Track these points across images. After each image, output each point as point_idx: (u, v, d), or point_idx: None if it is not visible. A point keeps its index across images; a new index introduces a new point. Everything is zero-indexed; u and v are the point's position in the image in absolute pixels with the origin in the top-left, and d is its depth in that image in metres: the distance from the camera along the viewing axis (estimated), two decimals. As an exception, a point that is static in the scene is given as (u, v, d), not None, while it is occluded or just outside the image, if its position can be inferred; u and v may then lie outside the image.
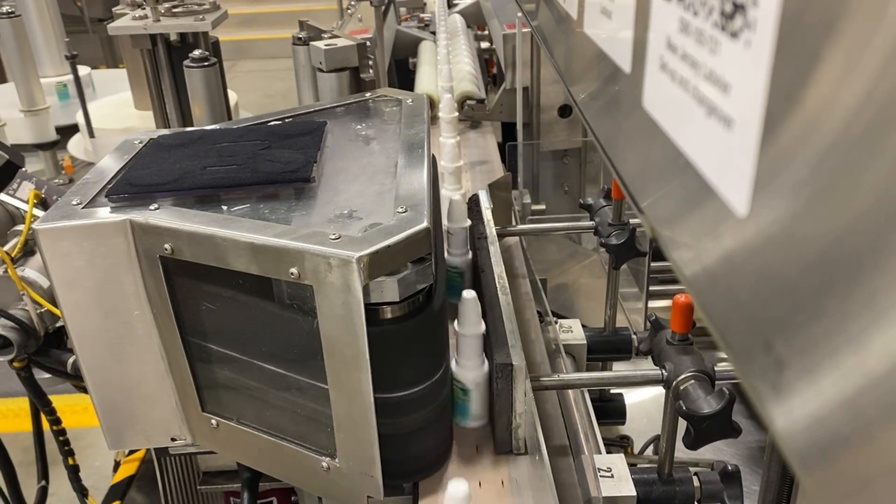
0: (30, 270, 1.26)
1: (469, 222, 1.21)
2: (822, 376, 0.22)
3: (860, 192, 0.22)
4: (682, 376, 0.90)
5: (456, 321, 0.94)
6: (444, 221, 1.16)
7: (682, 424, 0.93)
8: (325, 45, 1.80)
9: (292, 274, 0.75)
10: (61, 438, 1.44)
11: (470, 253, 1.20)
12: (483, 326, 0.94)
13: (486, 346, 0.95)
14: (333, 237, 0.75)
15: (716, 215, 0.31)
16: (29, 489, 1.48)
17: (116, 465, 2.09)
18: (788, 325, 0.24)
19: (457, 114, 1.47)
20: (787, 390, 0.24)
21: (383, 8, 2.35)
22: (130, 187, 0.89)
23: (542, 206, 2.05)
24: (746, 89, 0.28)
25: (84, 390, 1.46)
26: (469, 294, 0.94)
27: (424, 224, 0.78)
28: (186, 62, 1.89)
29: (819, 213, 0.23)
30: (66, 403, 1.46)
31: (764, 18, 0.26)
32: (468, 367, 0.94)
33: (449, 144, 1.37)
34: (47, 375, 1.38)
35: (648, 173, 0.38)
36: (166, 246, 0.82)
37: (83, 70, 3.56)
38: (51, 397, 1.40)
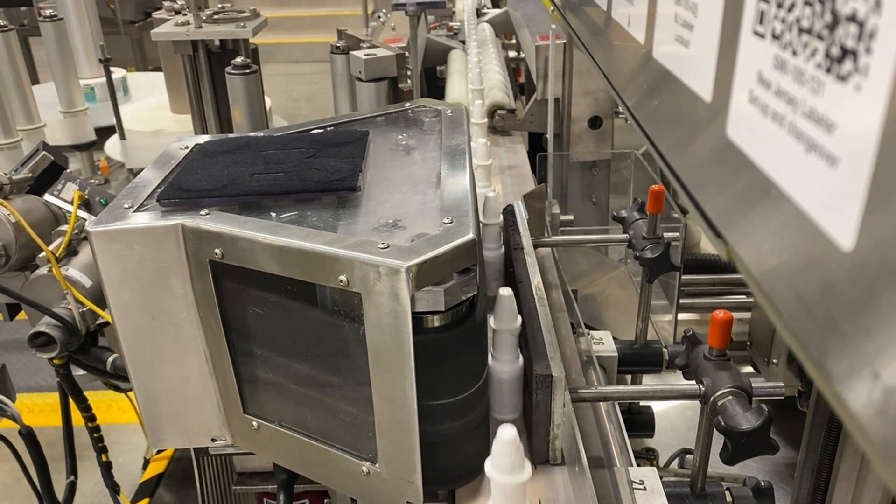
0: (73, 270, 1.29)
1: (520, 319, 0.97)
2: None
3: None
4: (720, 392, 0.91)
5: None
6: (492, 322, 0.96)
7: (716, 439, 0.94)
8: (365, 55, 1.82)
9: (341, 281, 0.76)
10: (95, 435, 1.47)
11: (521, 359, 0.98)
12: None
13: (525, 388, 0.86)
14: (382, 246, 0.76)
15: (815, 246, 0.30)
16: (55, 484, 1.50)
17: (146, 463, 2.11)
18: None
19: (490, 159, 1.44)
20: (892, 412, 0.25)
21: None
22: (181, 192, 0.91)
23: (571, 217, 2.05)
24: (855, 131, 0.27)
25: (115, 388, 1.49)
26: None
27: (471, 235, 0.79)
28: (228, 69, 1.92)
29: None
30: (91, 400, 1.48)
31: (879, 65, 0.25)
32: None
33: (487, 197, 1.27)
34: (81, 372, 1.41)
35: (733, 201, 0.38)
36: (216, 251, 0.84)
37: (118, 73, 3.61)
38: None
